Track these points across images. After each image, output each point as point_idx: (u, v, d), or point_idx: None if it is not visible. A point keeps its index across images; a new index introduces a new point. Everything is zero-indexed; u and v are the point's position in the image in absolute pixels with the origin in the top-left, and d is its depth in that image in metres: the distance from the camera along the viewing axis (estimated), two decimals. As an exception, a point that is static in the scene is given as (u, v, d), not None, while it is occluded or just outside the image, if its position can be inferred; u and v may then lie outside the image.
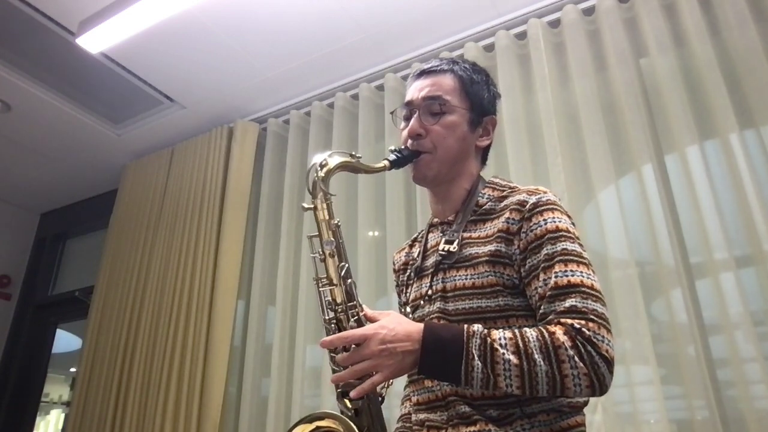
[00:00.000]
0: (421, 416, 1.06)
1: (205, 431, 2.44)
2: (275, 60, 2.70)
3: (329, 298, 1.03)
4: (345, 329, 1.00)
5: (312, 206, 1.06)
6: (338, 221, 1.08)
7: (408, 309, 1.15)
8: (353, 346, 0.94)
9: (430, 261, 1.15)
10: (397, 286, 1.31)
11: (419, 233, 1.31)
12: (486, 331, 0.91)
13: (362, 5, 2.39)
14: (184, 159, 3.18)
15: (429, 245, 1.19)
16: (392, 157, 1.11)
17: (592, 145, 2.07)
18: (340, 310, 1.02)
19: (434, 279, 1.10)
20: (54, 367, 3.92)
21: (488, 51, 2.47)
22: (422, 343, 0.91)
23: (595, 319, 0.89)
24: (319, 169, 1.07)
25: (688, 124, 1.92)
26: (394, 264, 1.34)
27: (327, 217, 1.06)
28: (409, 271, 1.22)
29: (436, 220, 1.21)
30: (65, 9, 2.41)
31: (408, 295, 1.18)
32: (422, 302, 1.10)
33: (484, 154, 1.24)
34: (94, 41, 2.51)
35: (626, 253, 1.88)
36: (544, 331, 0.89)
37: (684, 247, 1.87)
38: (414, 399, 1.10)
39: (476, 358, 0.88)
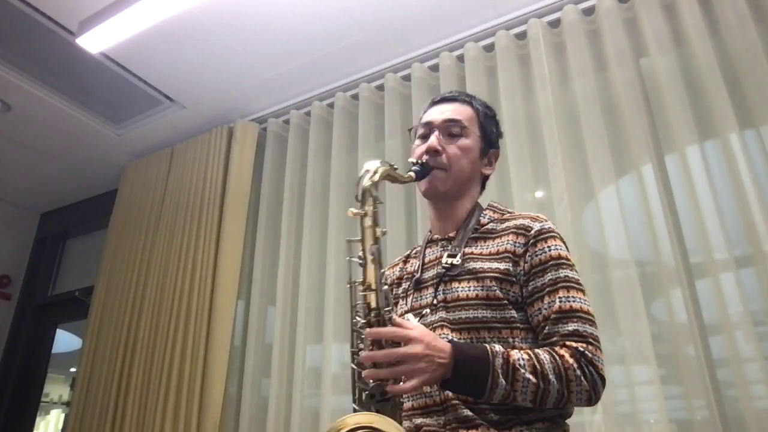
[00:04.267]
0: (417, 421, 1.09)
1: (205, 431, 2.44)
2: (275, 60, 2.70)
3: (363, 303, 1.05)
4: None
5: (362, 212, 1.09)
6: (384, 230, 1.10)
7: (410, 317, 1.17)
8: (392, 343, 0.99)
9: (431, 273, 1.21)
10: None
11: (413, 250, 1.37)
12: (505, 351, 1.00)
13: (362, 5, 2.38)
14: (184, 159, 3.18)
15: (428, 259, 1.25)
16: (417, 168, 1.19)
17: (592, 145, 2.07)
18: (374, 315, 1.04)
19: (437, 290, 1.16)
20: (54, 367, 3.92)
21: (488, 51, 2.47)
22: (454, 360, 0.96)
23: (594, 342, 1.04)
24: (371, 175, 1.10)
25: (688, 124, 1.92)
26: (386, 279, 1.35)
27: (372, 224, 1.09)
28: (405, 284, 1.27)
29: (436, 236, 1.28)
30: (65, 9, 2.41)
31: (404, 306, 1.23)
32: (427, 311, 1.16)
33: (483, 182, 1.34)
34: (94, 41, 2.51)
35: (626, 253, 1.88)
36: (554, 354, 1.01)
37: (684, 247, 1.87)
38: (408, 404, 1.12)
39: (500, 375, 0.97)
